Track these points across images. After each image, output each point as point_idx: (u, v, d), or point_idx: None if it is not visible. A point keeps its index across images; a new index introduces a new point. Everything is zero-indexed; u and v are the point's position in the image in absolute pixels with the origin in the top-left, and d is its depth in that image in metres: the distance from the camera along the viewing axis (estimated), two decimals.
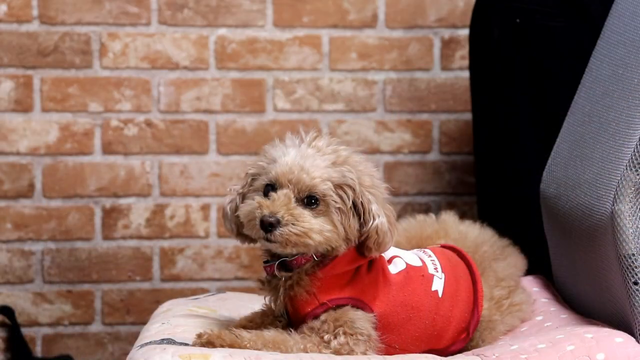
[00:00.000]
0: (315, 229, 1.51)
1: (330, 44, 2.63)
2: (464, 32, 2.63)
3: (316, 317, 1.55)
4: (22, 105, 2.56)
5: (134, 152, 2.59)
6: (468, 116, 2.63)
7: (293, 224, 1.50)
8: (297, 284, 1.57)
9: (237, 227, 1.61)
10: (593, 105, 1.72)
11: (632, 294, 1.52)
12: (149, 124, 2.59)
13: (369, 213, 1.55)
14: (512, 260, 1.81)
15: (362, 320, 1.55)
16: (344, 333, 1.53)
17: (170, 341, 1.52)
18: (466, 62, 2.63)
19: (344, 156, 1.58)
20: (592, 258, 1.63)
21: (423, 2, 2.64)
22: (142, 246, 2.60)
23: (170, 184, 2.60)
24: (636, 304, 1.52)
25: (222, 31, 2.60)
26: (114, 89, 2.58)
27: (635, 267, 1.52)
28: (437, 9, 2.64)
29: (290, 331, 1.56)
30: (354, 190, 1.55)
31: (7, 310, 2.54)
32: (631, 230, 1.52)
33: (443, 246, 1.76)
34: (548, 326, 1.65)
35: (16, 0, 2.54)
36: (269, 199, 1.53)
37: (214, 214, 2.61)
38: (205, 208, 2.61)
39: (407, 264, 1.63)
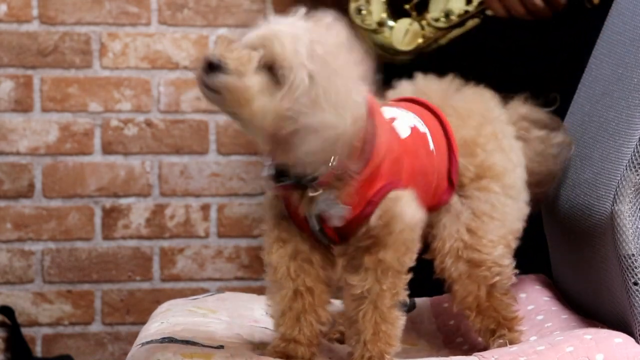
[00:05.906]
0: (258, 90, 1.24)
1: None
2: None
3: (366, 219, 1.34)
4: (22, 105, 2.56)
5: (134, 152, 2.59)
6: None
7: (239, 77, 1.23)
8: (340, 191, 1.32)
9: None
10: (593, 105, 1.71)
11: (632, 294, 1.52)
12: (149, 124, 2.59)
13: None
14: None
15: (413, 204, 1.36)
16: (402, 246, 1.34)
17: (171, 339, 1.52)
18: None
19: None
20: (592, 258, 1.63)
21: None
22: (142, 246, 2.60)
23: (170, 184, 2.60)
24: (636, 304, 1.51)
25: (222, 31, 2.60)
26: (114, 89, 2.58)
27: (635, 267, 1.51)
28: None
29: None
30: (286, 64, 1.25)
31: (7, 310, 2.54)
32: (631, 231, 1.51)
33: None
34: (548, 327, 1.65)
35: (16, 0, 2.54)
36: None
37: (214, 214, 2.61)
38: (205, 208, 2.61)
39: (410, 126, 1.40)
